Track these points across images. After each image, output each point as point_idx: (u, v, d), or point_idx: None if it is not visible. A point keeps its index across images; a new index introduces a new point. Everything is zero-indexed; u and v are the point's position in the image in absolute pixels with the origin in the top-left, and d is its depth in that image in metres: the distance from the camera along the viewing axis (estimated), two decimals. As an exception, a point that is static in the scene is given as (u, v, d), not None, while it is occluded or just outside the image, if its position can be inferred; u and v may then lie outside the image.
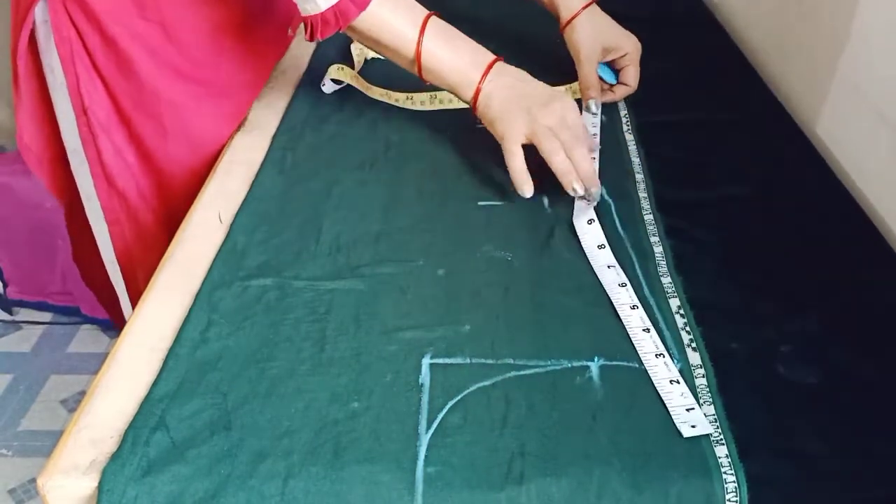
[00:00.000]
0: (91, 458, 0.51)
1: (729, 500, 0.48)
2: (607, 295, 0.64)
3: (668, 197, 0.76)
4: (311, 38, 0.77)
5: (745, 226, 0.72)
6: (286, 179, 0.79)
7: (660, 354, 0.57)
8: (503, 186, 0.77)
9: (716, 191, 0.77)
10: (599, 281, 0.65)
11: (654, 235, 0.70)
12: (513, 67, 0.80)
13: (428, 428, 0.52)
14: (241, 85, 0.93)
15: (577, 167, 0.73)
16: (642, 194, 0.76)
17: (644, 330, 0.59)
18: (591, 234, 0.70)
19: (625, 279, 0.64)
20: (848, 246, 0.70)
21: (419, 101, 0.91)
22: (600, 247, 0.68)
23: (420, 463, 0.50)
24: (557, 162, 0.73)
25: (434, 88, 0.85)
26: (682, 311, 0.62)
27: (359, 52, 1.01)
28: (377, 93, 0.93)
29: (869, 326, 0.61)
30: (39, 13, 0.82)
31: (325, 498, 0.49)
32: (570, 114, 0.76)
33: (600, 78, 0.90)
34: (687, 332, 0.60)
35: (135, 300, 0.99)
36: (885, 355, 0.59)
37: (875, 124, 0.76)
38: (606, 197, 0.75)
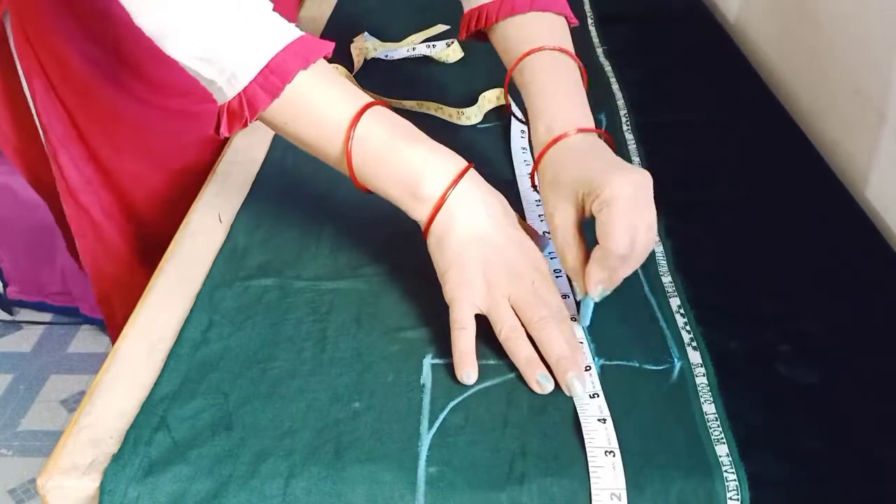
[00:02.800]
0: (91, 458, 0.51)
1: (730, 499, 0.48)
2: (608, 295, 0.63)
3: (668, 197, 0.75)
4: (217, 132, 0.60)
5: (746, 226, 0.72)
6: (287, 179, 0.79)
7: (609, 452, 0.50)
8: (504, 186, 0.77)
9: (716, 191, 0.77)
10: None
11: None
12: (488, 186, 0.61)
13: (429, 428, 0.52)
14: (207, 108, 0.83)
15: (549, 351, 0.55)
16: (642, 194, 0.76)
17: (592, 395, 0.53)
18: (592, 406, 0.54)
19: (582, 337, 0.58)
20: (848, 246, 0.70)
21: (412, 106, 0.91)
22: (564, 297, 0.60)
23: (422, 463, 0.50)
24: (517, 349, 0.56)
25: (434, 99, 0.82)
26: (682, 311, 0.62)
27: (358, 52, 1.01)
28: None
29: (869, 326, 0.61)
30: (8, 25, 0.82)
31: (326, 498, 0.49)
32: (542, 287, 0.58)
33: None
34: (687, 331, 0.60)
35: (106, 312, 0.98)
36: (885, 355, 0.59)
37: (875, 124, 0.76)
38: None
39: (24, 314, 1.80)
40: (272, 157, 0.83)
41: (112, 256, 0.92)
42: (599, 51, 1.04)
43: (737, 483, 0.49)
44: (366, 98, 0.60)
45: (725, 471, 0.49)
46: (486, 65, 0.88)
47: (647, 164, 0.81)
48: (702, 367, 0.57)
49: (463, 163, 0.60)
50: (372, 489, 0.49)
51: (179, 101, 0.86)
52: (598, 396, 0.54)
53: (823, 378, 0.57)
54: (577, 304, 0.60)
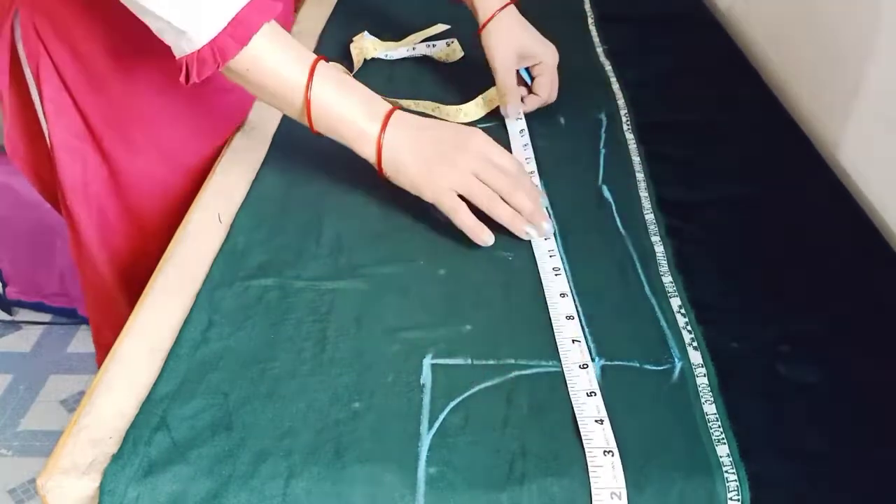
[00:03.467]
0: (91, 458, 0.51)
1: (731, 499, 0.48)
2: (608, 296, 0.64)
3: (668, 197, 0.76)
4: (187, 82, 0.70)
5: (746, 226, 0.72)
6: (286, 179, 0.79)
7: (592, 392, 0.54)
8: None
9: (716, 191, 0.77)
10: (597, 283, 0.65)
11: (654, 235, 0.70)
12: (410, 115, 0.73)
13: (429, 428, 0.52)
14: (222, 98, 0.89)
15: (521, 210, 0.69)
16: (643, 194, 0.76)
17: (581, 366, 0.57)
18: (556, 283, 0.65)
19: (580, 335, 0.60)
20: (848, 246, 0.70)
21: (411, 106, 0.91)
22: (562, 295, 0.64)
23: (421, 463, 0.50)
24: (500, 212, 0.69)
25: (434, 99, 0.82)
26: (683, 311, 0.62)
27: (358, 52, 1.01)
28: None
29: (869, 326, 0.61)
30: (17, 26, 0.81)
31: (326, 498, 0.49)
32: (491, 149, 0.71)
33: (523, 83, 0.88)
34: (688, 331, 0.60)
35: (89, 310, 0.98)
36: (886, 355, 0.59)
37: (875, 124, 0.76)
38: (607, 196, 0.76)
39: (23, 314, 1.80)
40: (272, 156, 0.83)
41: (97, 265, 0.92)
42: (599, 51, 1.04)
43: (737, 483, 0.49)
44: (312, 57, 0.72)
45: (726, 471, 0.49)
46: (486, 65, 0.88)
47: (647, 164, 0.81)
48: (702, 367, 0.57)
49: (390, 106, 0.72)
50: (372, 489, 0.49)
51: (194, 92, 0.86)
52: (596, 395, 0.54)
53: (823, 378, 0.57)
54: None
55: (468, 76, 0.97)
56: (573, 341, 0.59)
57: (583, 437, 0.51)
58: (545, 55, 0.87)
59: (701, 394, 0.55)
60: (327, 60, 0.72)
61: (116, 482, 0.49)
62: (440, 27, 1.07)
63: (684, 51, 1.05)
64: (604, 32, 1.09)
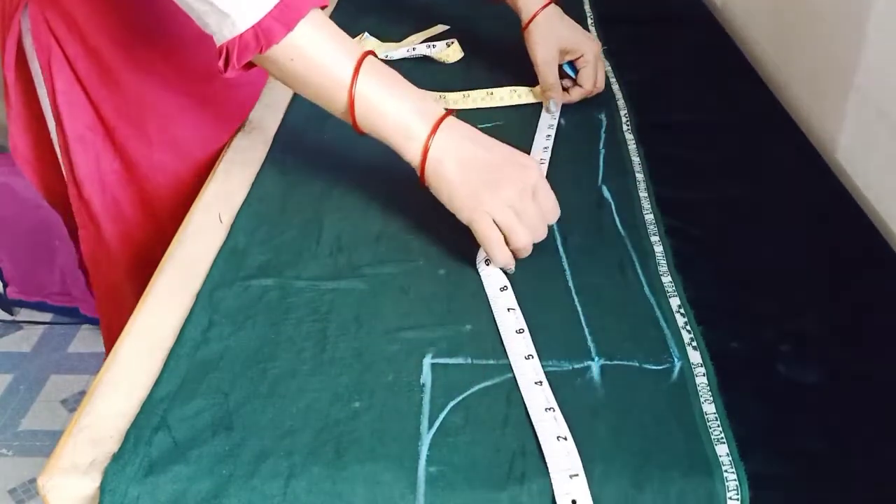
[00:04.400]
0: (91, 458, 0.51)
1: (730, 499, 0.48)
2: (608, 295, 0.64)
3: (668, 197, 0.76)
4: (226, 69, 0.67)
5: (746, 226, 0.72)
6: (287, 179, 0.79)
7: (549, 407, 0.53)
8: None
9: (716, 191, 0.77)
10: (597, 282, 0.65)
11: (654, 235, 0.70)
12: (464, 124, 0.68)
13: (429, 427, 0.53)
14: (233, 94, 0.91)
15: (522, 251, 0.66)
16: (642, 194, 0.76)
17: (536, 383, 0.55)
18: (493, 275, 0.64)
19: (523, 325, 0.59)
20: (848, 246, 0.70)
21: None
22: (502, 289, 0.63)
23: (422, 462, 0.50)
24: (521, 245, 0.65)
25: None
26: (682, 311, 0.62)
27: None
28: None
29: (869, 326, 0.61)
30: (24, 21, 0.82)
31: (326, 497, 0.49)
32: (541, 185, 0.66)
33: (566, 76, 0.91)
34: (687, 330, 0.60)
35: (101, 307, 0.98)
36: (885, 355, 0.59)
37: (875, 124, 0.76)
38: (607, 197, 0.76)
39: (24, 314, 1.80)
40: (273, 157, 0.83)
41: (112, 258, 0.92)
42: (599, 51, 1.04)
43: (737, 483, 0.49)
44: (360, 49, 0.68)
45: (725, 470, 0.49)
46: (486, 65, 0.88)
47: (647, 164, 0.81)
48: (702, 366, 0.57)
49: (443, 110, 0.68)
50: (372, 489, 0.49)
51: (207, 86, 0.88)
52: (543, 384, 0.55)
53: (823, 378, 0.57)
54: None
55: (468, 77, 0.97)
56: (517, 331, 0.59)
57: (535, 426, 0.52)
58: (586, 47, 0.88)
59: (700, 393, 0.55)
60: (372, 54, 0.69)
61: (117, 482, 0.49)
62: (440, 27, 1.07)
63: (684, 51, 1.05)
64: (604, 32, 1.09)
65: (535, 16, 0.89)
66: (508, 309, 0.61)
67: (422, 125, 0.66)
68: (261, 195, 0.77)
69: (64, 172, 0.89)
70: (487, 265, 0.65)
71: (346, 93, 0.66)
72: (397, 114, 0.67)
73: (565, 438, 0.51)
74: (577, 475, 0.49)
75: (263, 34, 0.64)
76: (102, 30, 0.81)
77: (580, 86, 0.90)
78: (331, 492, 0.49)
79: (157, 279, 0.67)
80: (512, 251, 0.65)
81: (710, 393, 0.55)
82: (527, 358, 0.57)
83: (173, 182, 0.89)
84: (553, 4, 0.90)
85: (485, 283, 0.64)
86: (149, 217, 0.92)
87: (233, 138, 0.88)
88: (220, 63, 0.67)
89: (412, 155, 0.67)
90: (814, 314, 0.62)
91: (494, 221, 0.64)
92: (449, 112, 0.68)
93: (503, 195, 0.64)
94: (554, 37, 0.88)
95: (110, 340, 1.00)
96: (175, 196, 0.90)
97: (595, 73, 0.89)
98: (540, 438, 0.51)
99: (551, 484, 0.49)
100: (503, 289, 0.63)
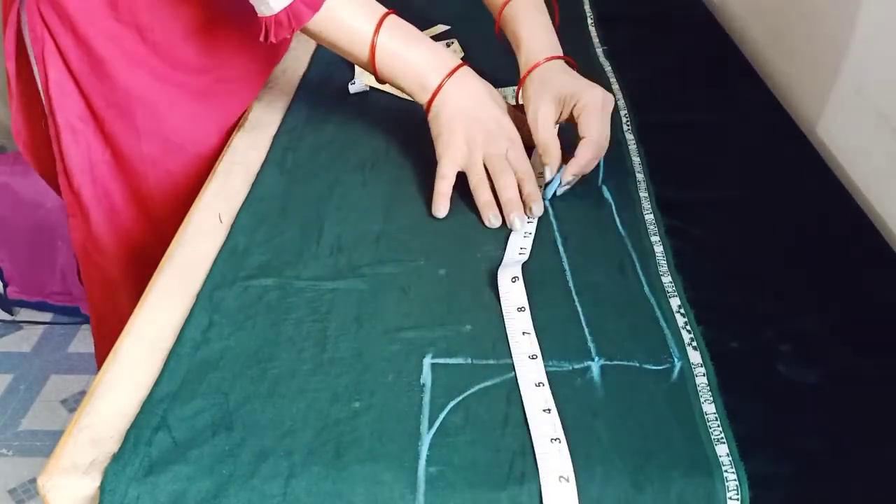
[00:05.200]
0: (91, 458, 0.51)
1: (730, 499, 0.49)
2: (608, 295, 0.64)
3: (668, 197, 0.76)
4: (266, 40, 0.76)
5: (745, 226, 0.72)
6: (287, 179, 0.79)
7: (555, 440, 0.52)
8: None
9: (716, 191, 0.77)
10: (597, 282, 0.65)
11: (654, 235, 0.70)
12: (474, 79, 0.78)
13: (429, 428, 0.53)
14: (225, 88, 0.91)
15: (501, 193, 0.73)
16: (643, 194, 0.76)
17: (537, 384, 0.55)
18: (513, 292, 0.63)
19: (537, 351, 0.58)
20: (848, 246, 0.70)
21: None
22: (520, 309, 0.62)
23: (422, 462, 0.50)
24: (482, 199, 0.73)
25: None
26: (682, 311, 0.62)
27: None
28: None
29: (869, 326, 0.61)
30: (23, 13, 0.83)
31: (326, 497, 0.49)
32: (513, 152, 0.75)
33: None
34: (687, 331, 0.60)
35: (91, 297, 0.98)
36: (885, 355, 0.59)
37: (875, 124, 0.76)
38: (607, 197, 0.76)
39: (24, 314, 1.80)
40: (273, 156, 0.83)
41: (102, 249, 0.93)
42: (599, 51, 1.04)
43: (737, 483, 0.49)
44: (381, 9, 0.77)
45: (725, 470, 0.49)
46: (485, 65, 0.88)
47: (647, 164, 0.81)
48: (702, 366, 0.57)
49: (458, 61, 0.78)
50: (372, 489, 0.49)
51: (197, 79, 0.89)
52: (543, 386, 0.55)
53: (823, 378, 0.57)
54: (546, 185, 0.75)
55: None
56: (523, 333, 0.59)
57: (530, 426, 0.52)
58: (585, 94, 0.74)
59: (700, 393, 0.55)
60: (398, 14, 0.77)
61: (117, 482, 0.49)
62: (440, 27, 1.07)
63: (684, 51, 1.05)
64: (603, 33, 1.09)
65: (532, 69, 0.79)
66: (524, 332, 0.60)
67: (434, 75, 0.76)
68: (261, 195, 0.77)
69: (56, 162, 0.89)
70: (513, 283, 0.63)
71: (367, 47, 0.76)
72: (414, 61, 0.76)
73: (559, 440, 0.51)
74: (566, 478, 0.49)
75: (294, 16, 0.74)
76: (91, 20, 0.82)
77: (582, 136, 0.74)
78: (331, 492, 0.49)
79: (157, 279, 0.67)
80: (484, 204, 0.72)
81: (710, 393, 0.55)
82: (531, 357, 0.57)
83: (163, 173, 0.90)
84: (559, 61, 0.80)
85: (502, 301, 0.62)
86: (139, 208, 0.92)
87: (233, 138, 0.88)
88: (262, 35, 0.76)
89: (423, 98, 0.77)
90: (814, 314, 0.62)
91: (463, 167, 0.74)
92: (462, 63, 0.77)
93: (478, 148, 0.74)
94: (548, 86, 0.77)
95: (99, 332, 1.01)
96: (165, 187, 0.90)
97: (598, 121, 0.73)
98: (534, 439, 0.51)
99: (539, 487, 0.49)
100: (521, 309, 0.61)
